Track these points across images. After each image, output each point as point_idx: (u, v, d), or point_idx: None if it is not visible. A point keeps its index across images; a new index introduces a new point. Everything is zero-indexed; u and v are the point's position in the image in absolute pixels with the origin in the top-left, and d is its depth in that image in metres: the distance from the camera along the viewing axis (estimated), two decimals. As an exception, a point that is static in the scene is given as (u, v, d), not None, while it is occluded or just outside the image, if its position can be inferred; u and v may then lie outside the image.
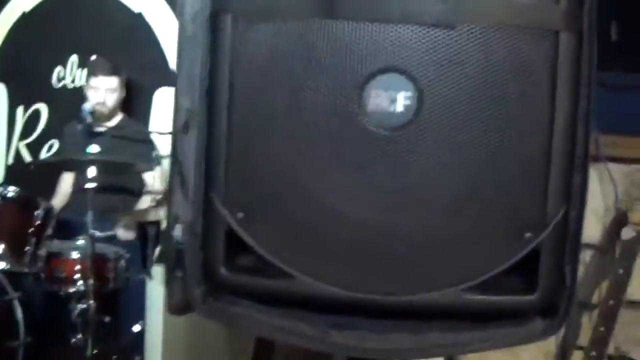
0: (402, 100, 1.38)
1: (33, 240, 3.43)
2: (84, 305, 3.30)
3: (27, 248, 3.41)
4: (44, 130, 4.86)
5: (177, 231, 1.41)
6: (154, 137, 4.25)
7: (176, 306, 1.42)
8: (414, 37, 1.38)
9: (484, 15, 1.38)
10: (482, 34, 1.38)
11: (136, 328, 3.45)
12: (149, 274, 3.43)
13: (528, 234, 1.43)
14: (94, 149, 3.58)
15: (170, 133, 3.79)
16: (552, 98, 1.41)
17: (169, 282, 1.42)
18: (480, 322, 1.49)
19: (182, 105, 1.42)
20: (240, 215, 1.39)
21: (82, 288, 3.37)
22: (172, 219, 1.41)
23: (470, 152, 1.41)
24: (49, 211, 3.54)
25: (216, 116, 1.41)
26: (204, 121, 1.42)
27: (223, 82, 1.40)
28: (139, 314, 3.39)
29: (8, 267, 3.35)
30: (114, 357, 3.42)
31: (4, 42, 5.01)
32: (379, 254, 1.42)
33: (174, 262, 1.41)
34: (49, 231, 3.52)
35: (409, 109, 1.39)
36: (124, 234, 3.86)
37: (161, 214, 3.87)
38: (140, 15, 4.63)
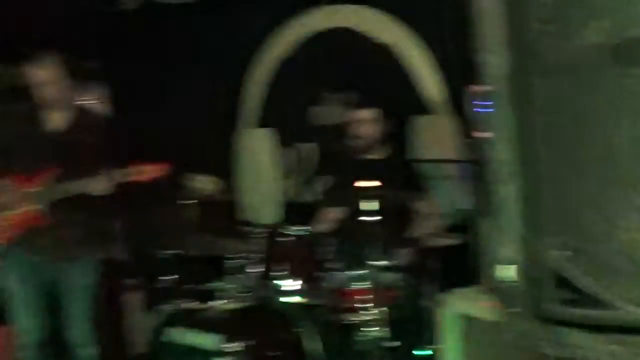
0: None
1: (319, 273, 3.68)
2: (373, 333, 3.49)
3: (315, 281, 3.67)
4: (311, 168, 5.15)
5: (509, 271, 1.53)
6: (418, 165, 4.38)
7: (512, 339, 1.55)
8: None
9: None
10: None
11: (425, 353, 3.58)
12: (435, 301, 3.53)
13: None
14: (366, 180, 3.75)
15: (436, 161, 3.86)
16: None
17: (505, 317, 1.55)
18: None
19: (499, 157, 1.56)
20: (563, 253, 1.50)
21: (369, 316, 3.56)
22: (501, 260, 1.54)
23: None
24: (328, 244, 3.76)
25: (531, 165, 1.53)
26: (521, 170, 1.54)
27: (534, 133, 1.52)
28: (427, 339, 3.50)
29: (304, 300, 3.63)
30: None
31: (266, 88, 5.38)
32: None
33: (508, 299, 1.54)
34: (330, 263, 3.74)
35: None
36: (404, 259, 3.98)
37: (439, 240, 3.97)
38: (390, 47, 4.80)
